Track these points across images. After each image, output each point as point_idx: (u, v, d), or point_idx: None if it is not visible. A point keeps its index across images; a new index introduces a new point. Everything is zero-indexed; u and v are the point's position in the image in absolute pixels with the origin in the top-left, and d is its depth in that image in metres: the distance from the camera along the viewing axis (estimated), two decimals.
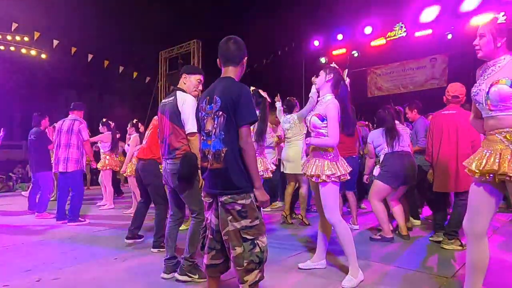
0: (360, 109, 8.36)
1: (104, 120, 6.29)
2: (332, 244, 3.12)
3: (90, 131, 6.17)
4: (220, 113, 1.79)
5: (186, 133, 2.65)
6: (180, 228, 2.91)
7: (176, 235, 2.84)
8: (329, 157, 2.67)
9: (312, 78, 4.31)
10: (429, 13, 9.05)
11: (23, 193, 7.81)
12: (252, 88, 3.65)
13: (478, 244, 1.99)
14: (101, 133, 6.26)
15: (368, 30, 10.24)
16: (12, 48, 11.10)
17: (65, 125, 5.12)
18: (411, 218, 4.52)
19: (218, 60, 2.00)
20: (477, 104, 1.99)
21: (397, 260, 3.17)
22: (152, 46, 13.81)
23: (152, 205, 3.65)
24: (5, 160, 7.96)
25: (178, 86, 2.86)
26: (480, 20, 7.49)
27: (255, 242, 1.79)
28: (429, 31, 9.25)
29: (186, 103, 2.66)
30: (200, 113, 1.95)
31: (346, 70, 2.81)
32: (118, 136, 6.65)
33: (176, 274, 2.68)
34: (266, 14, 11.51)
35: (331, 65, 2.84)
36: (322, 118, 2.64)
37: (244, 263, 1.75)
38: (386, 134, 3.96)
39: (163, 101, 2.88)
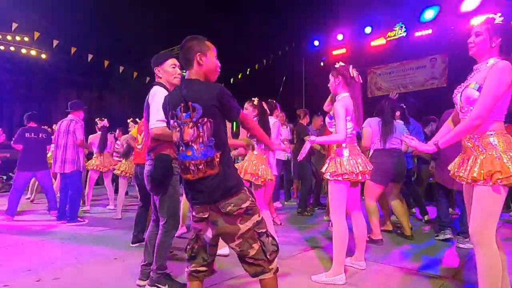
0: None
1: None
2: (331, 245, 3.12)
3: (88, 131, 6.15)
4: (205, 120, 1.72)
5: (150, 128, 2.40)
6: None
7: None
8: (338, 155, 2.72)
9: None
10: (429, 13, 9.05)
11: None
12: (255, 99, 3.56)
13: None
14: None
15: (368, 30, 10.25)
16: (12, 48, 11.10)
17: (63, 126, 5.12)
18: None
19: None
20: (455, 105, 2.06)
21: (397, 260, 3.17)
22: (152, 46, 13.78)
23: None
24: (5, 160, 7.91)
25: (155, 81, 2.63)
26: (480, 20, 7.49)
27: (267, 232, 1.82)
28: (429, 31, 9.27)
29: (156, 95, 2.41)
30: (172, 121, 1.81)
31: (351, 66, 2.78)
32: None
33: (146, 286, 2.51)
34: (266, 14, 11.48)
35: (336, 66, 2.80)
36: (331, 117, 2.78)
37: (268, 255, 1.77)
38: (382, 126, 3.87)
39: None
